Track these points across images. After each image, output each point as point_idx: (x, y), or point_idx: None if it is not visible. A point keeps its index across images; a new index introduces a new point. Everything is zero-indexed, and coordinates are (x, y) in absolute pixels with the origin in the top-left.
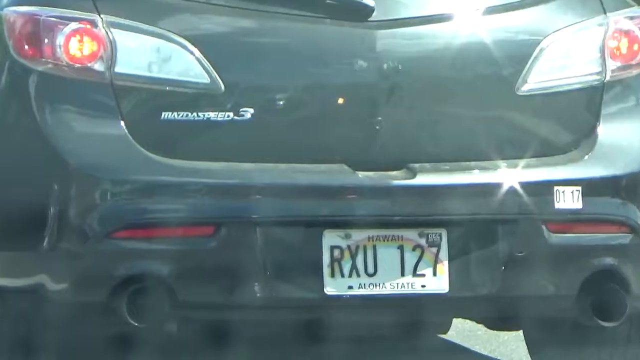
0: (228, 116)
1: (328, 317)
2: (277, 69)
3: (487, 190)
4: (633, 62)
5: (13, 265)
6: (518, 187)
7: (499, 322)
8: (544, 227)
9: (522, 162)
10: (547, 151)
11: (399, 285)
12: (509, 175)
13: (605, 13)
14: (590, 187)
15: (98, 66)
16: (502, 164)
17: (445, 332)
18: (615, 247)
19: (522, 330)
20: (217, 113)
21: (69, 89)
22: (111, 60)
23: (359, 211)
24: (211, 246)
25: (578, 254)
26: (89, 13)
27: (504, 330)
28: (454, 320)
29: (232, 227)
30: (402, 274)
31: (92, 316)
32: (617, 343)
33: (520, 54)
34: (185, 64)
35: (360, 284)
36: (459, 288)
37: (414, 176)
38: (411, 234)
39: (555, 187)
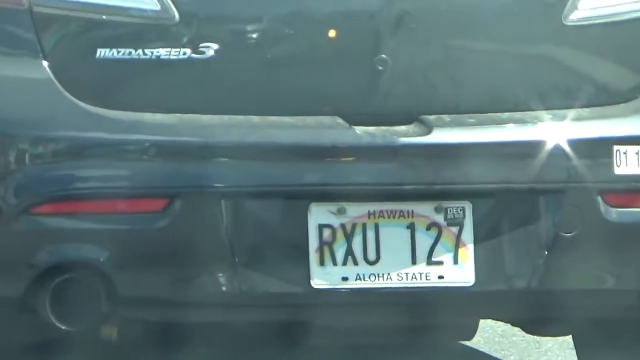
0: (184, 54)
1: (316, 318)
2: None
3: (526, 150)
4: None
5: None
6: (566, 146)
7: (541, 325)
8: (599, 199)
9: (571, 114)
10: (604, 99)
11: (409, 276)
12: (554, 131)
13: None
14: None
15: None
16: (545, 116)
17: (469, 339)
18: None
19: (570, 337)
20: (169, 50)
21: None
22: None
23: (357, 178)
24: (162, 225)
25: None
26: None
27: (546, 336)
28: (482, 322)
29: (190, 200)
30: (413, 262)
31: (5, 316)
32: None
33: None
34: None
35: (357, 275)
36: (488, 280)
37: (428, 132)
38: (425, 209)
39: (615, 147)
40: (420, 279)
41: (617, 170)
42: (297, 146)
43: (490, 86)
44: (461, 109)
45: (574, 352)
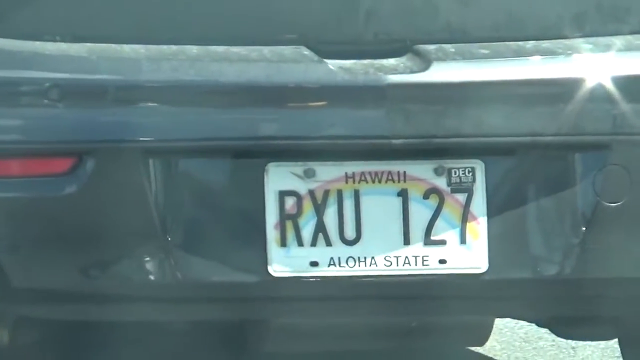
0: None
1: (275, 315)
2: None
3: (556, 91)
4: None
5: None
6: (610, 85)
7: (577, 326)
8: None
9: (617, 42)
10: None
11: (400, 261)
12: (595, 66)
13: None
14: None
15: None
16: (583, 45)
17: (482, 343)
18: None
19: (615, 341)
20: None
21: None
22: None
23: (330, 130)
24: (67, 192)
25: None
26: None
27: (584, 341)
28: (498, 322)
29: (105, 159)
30: (406, 241)
31: None
32: None
33: None
34: None
35: (331, 259)
36: (506, 265)
37: (426, 67)
38: (422, 170)
39: None
40: (416, 264)
41: None
42: (250, 86)
43: (509, 4)
44: (469, 36)
45: None
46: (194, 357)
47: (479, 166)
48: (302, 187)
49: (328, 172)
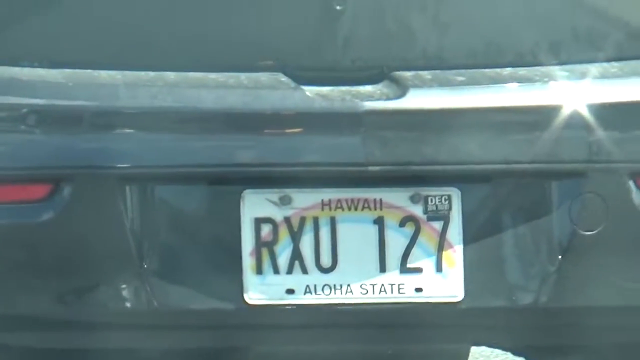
0: None
1: (252, 343)
2: None
3: (533, 119)
4: None
5: None
6: (586, 113)
7: (553, 354)
8: (632, 184)
9: (594, 70)
10: (637, 50)
11: (376, 289)
12: (572, 93)
13: None
14: None
15: None
16: (560, 72)
17: None
18: None
19: None
20: None
21: None
22: None
23: (306, 156)
24: (44, 219)
25: None
26: None
27: None
28: (474, 350)
29: (82, 186)
30: (382, 269)
31: None
32: None
33: None
34: None
35: (307, 287)
36: (481, 293)
37: (403, 93)
38: (398, 198)
39: None
40: (392, 291)
41: None
42: (226, 113)
43: (486, 32)
44: (446, 63)
45: None
46: None
47: (455, 194)
48: (278, 214)
49: (304, 199)
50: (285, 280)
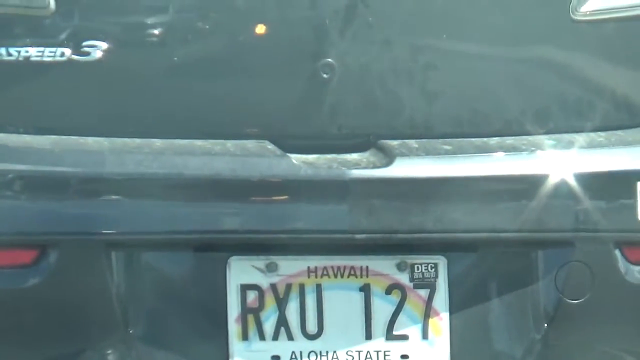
0: (61, 55)
1: None
2: None
3: (519, 188)
4: None
5: None
6: (572, 182)
7: None
8: (618, 253)
9: (580, 140)
10: (624, 121)
11: (362, 356)
12: (558, 162)
13: None
14: None
15: None
16: (546, 142)
17: None
18: None
19: None
20: (41, 49)
21: None
22: None
23: (292, 224)
24: (30, 284)
25: None
26: None
27: None
28: None
29: (68, 252)
30: (368, 336)
31: None
32: None
33: None
34: None
35: (293, 353)
36: None
37: (389, 162)
38: (384, 265)
39: (639, 184)
40: (377, 358)
41: None
42: (213, 180)
43: (473, 101)
44: (433, 132)
45: None
46: None
47: (441, 262)
48: (264, 281)
49: (290, 266)
50: (271, 347)
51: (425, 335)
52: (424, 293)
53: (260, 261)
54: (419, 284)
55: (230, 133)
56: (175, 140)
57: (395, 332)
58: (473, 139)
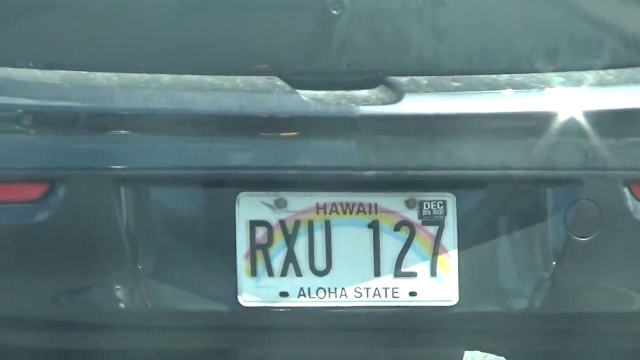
0: None
1: (245, 345)
2: None
3: (528, 125)
4: None
5: None
6: (581, 120)
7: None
8: (627, 191)
9: (590, 77)
10: (633, 58)
11: (370, 293)
12: (568, 100)
13: None
14: None
15: None
16: (556, 79)
17: None
18: None
19: None
20: None
21: None
22: None
23: (301, 160)
24: (38, 220)
25: None
26: None
27: None
28: (467, 355)
29: (77, 187)
30: (376, 273)
31: None
32: None
33: None
34: None
35: (301, 289)
36: (476, 298)
37: (398, 98)
38: (393, 202)
39: None
40: (386, 295)
41: None
42: (222, 116)
43: (482, 38)
44: (443, 68)
45: None
46: None
47: (450, 199)
48: (273, 217)
49: (299, 203)
50: (279, 283)
51: (433, 272)
52: (432, 230)
53: (269, 197)
54: (428, 221)
55: (239, 69)
56: (184, 75)
57: (403, 269)
58: (482, 76)
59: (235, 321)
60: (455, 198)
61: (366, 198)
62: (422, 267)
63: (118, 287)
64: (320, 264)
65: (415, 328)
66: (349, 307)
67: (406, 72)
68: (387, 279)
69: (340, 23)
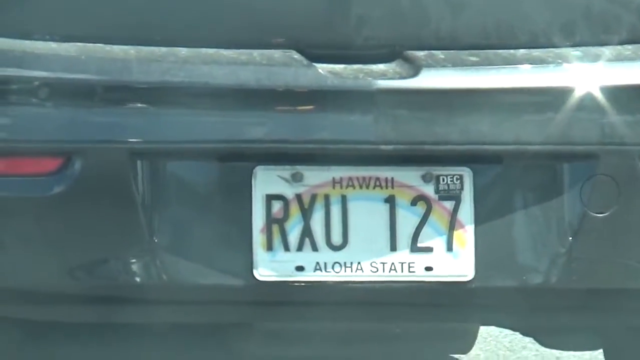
0: None
1: (260, 319)
2: None
3: (546, 100)
4: None
5: None
6: (600, 95)
7: (562, 335)
8: None
9: (608, 52)
10: None
11: (387, 267)
12: (585, 75)
13: None
14: None
15: None
16: (573, 54)
17: (466, 352)
18: None
19: (601, 352)
20: None
21: None
22: None
23: (318, 134)
24: (54, 192)
25: None
26: None
27: (567, 350)
28: (482, 330)
29: (93, 160)
30: (392, 248)
31: None
32: None
33: None
34: None
35: (317, 264)
36: (492, 273)
37: (415, 73)
38: (409, 177)
39: None
40: (402, 270)
41: None
42: (239, 89)
43: (501, 13)
44: (460, 43)
45: None
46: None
47: (467, 174)
48: (289, 191)
49: (316, 177)
50: (295, 257)
51: (449, 247)
52: (449, 205)
53: (286, 171)
54: (444, 195)
55: (257, 42)
56: (201, 49)
57: (419, 244)
58: (500, 51)
59: (251, 295)
60: (472, 173)
61: (383, 172)
62: (438, 242)
63: (134, 260)
64: (336, 238)
65: (430, 303)
66: (364, 281)
67: (424, 47)
68: (403, 254)
69: None
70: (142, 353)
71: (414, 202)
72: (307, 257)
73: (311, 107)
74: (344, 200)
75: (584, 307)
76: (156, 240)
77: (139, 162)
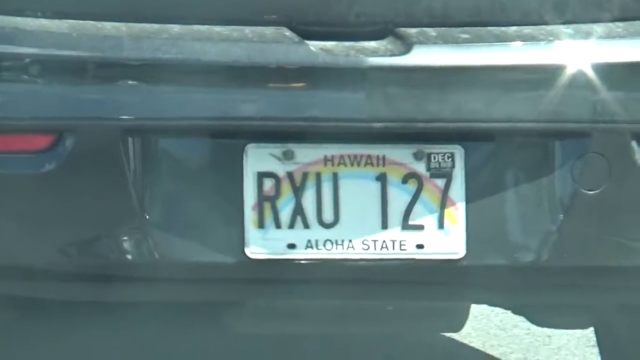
0: None
1: (251, 297)
2: None
3: (537, 77)
4: None
5: None
6: (590, 72)
7: (553, 314)
8: (635, 144)
9: (598, 29)
10: None
11: (378, 245)
12: (576, 52)
13: None
14: None
15: None
16: (565, 31)
17: (458, 330)
18: None
19: (591, 330)
20: None
21: None
22: None
23: (309, 111)
24: (46, 170)
25: None
26: None
27: (560, 329)
28: (474, 308)
29: (85, 137)
30: (384, 225)
31: None
32: None
33: None
34: None
35: (308, 241)
36: (483, 251)
37: (407, 50)
38: (401, 154)
39: None
40: (393, 248)
41: None
42: (230, 66)
43: None
44: (452, 20)
45: (595, 350)
46: (173, 336)
47: (458, 151)
48: (280, 169)
49: (307, 155)
50: (286, 235)
51: (441, 225)
52: (440, 182)
53: (277, 149)
54: (436, 173)
55: (248, 19)
56: (193, 26)
57: (411, 222)
58: (491, 28)
59: (242, 273)
60: (463, 150)
61: (374, 150)
62: (429, 220)
63: (125, 238)
64: (328, 216)
65: (422, 281)
66: (356, 259)
67: (415, 24)
68: (394, 232)
69: None
70: (133, 330)
71: (405, 180)
72: (298, 235)
73: (302, 84)
74: (335, 177)
75: (575, 285)
76: (148, 218)
77: (130, 140)
